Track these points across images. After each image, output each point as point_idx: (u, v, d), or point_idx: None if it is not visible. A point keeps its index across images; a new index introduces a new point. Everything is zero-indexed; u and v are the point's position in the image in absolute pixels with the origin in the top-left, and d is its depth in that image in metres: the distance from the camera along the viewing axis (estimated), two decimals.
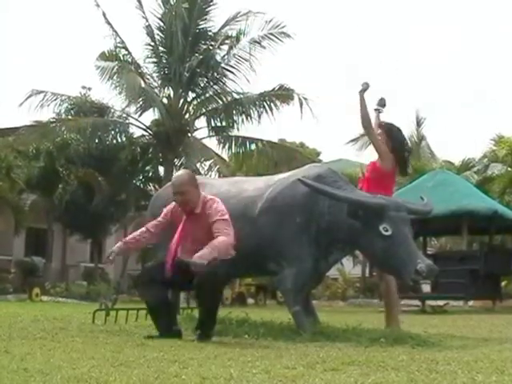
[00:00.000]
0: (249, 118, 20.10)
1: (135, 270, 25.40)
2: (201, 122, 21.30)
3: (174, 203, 5.36)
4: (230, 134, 20.71)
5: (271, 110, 20.01)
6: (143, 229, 5.49)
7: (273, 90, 19.94)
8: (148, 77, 20.91)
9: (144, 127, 21.45)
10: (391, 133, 6.09)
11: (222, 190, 5.95)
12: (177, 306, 6.84)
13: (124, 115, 21.63)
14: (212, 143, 21.63)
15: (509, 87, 65.57)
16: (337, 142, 70.11)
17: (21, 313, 8.96)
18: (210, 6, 20.74)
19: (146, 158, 23.74)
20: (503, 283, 19.52)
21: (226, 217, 5.04)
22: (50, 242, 24.07)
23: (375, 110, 6.40)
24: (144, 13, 20.47)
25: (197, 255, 4.76)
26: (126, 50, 20.77)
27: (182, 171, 5.92)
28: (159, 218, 5.47)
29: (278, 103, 20.13)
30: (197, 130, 21.32)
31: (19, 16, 59.01)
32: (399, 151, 6.08)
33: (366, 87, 6.09)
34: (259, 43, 19.92)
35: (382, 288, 6.37)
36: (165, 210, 5.47)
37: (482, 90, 73.40)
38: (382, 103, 6.48)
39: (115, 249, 5.46)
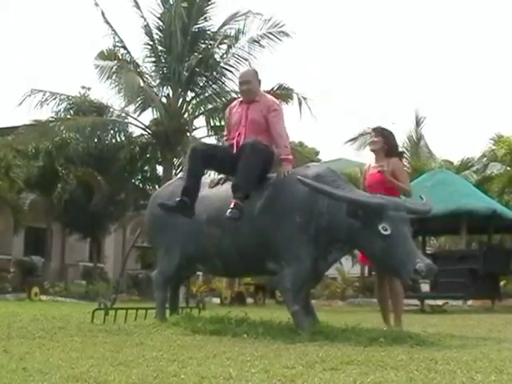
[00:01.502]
0: None
1: (134, 270, 25.45)
2: (200, 122, 21.32)
3: (228, 108, 6.37)
4: None
5: None
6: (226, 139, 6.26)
7: (272, 89, 19.91)
8: (147, 76, 20.92)
9: (143, 126, 21.46)
10: (387, 139, 6.31)
11: (221, 189, 5.96)
12: (176, 306, 6.85)
13: (123, 114, 21.63)
14: (211, 143, 21.62)
15: (508, 87, 65.61)
16: (336, 141, 70.16)
17: (20, 312, 8.96)
18: (209, 5, 20.75)
19: (145, 158, 23.74)
20: (502, 283, 19.51)
21: (277, 107, 5.99)
22: (49, 241, 24.07)
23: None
24: (142, 12, 20.50)
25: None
26: (125, 49, 20.78)
27: (248, 68, 6.93)
28: (226, 126, 6.42)
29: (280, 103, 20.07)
30: (196, 129, 21.33)
31: (18, 15, 59.04)
32: (394, 155, 6.35)
33: (382, 169, 6.15)
34: (258, 42, 19.93)
35: (377, 289, 6.40)
36: (226, 114, 6.41)
37: (481, 90, 73.46)
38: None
39: None
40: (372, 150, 6.40)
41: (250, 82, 6.07)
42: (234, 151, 5.84)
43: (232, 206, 5.48)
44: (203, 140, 21.26)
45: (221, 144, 6.29)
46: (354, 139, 26.78)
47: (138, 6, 20.42)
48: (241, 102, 6.21)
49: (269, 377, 3.17)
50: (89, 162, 22.38)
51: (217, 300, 19.89)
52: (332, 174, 5.71)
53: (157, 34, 20.63)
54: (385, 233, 5.08)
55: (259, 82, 6.17)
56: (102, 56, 20.67)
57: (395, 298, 6.25)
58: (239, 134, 5.94)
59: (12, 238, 23.27)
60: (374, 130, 6.46)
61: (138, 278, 24.13)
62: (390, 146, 6.33)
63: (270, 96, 6.29)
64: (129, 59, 20.85)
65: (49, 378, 3.06)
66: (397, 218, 5.15)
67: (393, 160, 6.30)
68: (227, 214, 5.45)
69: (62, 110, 21.18)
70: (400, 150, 6.78)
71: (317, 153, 34.68)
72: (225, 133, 6.53)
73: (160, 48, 20.66)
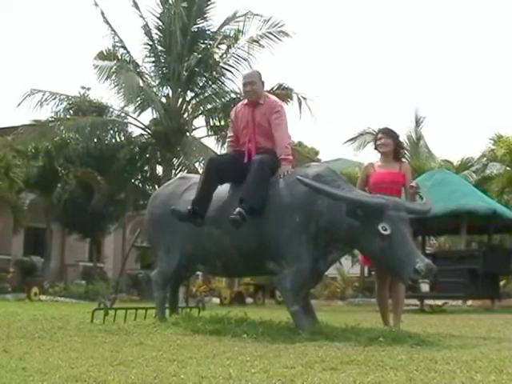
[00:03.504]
0: None
1: (134, 270, 25.45)
2: (199, 122, 21.32)
3: (234, 108, 6.44)
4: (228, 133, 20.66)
5: None
6: (229, 145, 6.40)
7: (272, 89, 19.89)
8: (146, 76, 20.91)
9: (142, 126, 21.44)
10: (397, 141, 6.44)
11: (221, 189, 5.96)
12: (176, 306, 6.85)
13: (123, 114, 21.62)
14: (211, 142, 21.70)
15: (508, 87, 65.62)
16: (335, 141, 70.19)
17: (19, 312, 8.97)
18: (209, 5, 20.74)
19: (145, 158, 23.72)
20: (502, 283, 19.51)
21: (279, 109, 6.06)
22: (49, 241, 24.05)
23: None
24: (141, 12, 20.49)
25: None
26: (125, 49, 20.77)
27: (252, 70, 6.98)
28: (230, 126, 6.49)
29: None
30: (195, 129, 21.31)
31: (18, 16, 59.02)
32: (399, 150, 6.48)
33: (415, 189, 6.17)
34: (258, 42, 19.90)
35: (377, 289, 6.40)
36: (231, 116, 6.46)
37: (481, 90, 73.46)
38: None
39: None
40: (382, 152, 6.38)
41: (253, 82, 6.13)
42: (246, 160, 5.92)
43: (236, 212, 5.49)
44: (203, 140, 21.32)
45: (233, 154, 6.28)
46: (353, 139, 26.77)
47: (137, 6, 20.44)
48: (245, 104, 6.23)
49: (268, 377, 3.17)
50: (88, 162, 22.37)
51: (216, 300, 19.89)
52: (332, 173, 5.71)
53: (156, 33, 20.63)
54: (384, 233, 5.08)
55: (263, 83, 6.23)
56: (101, 56, 20.65)
57: (397, 298, 6.25)
58: (249, 140, 6.02)
59: (11, 238, 23.26)
60: (383, 131, 6.42)
61: (137, 277, 24.14)
62: (399, 148, 6.47)
63: (273, 97, 6.34)
64: (128, 59, 20.84)
65: (48, 378, 3.06)
66: (396, 217, 5.15)
67: (405, 164, 6.50)
68: (231, 216, 5.46)
69: (62, 110, 21.17)
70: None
71: (316, 153, 34.69)
72: (229, 134, 6.54)
73: (159, 48, 20.65)
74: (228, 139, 6.57)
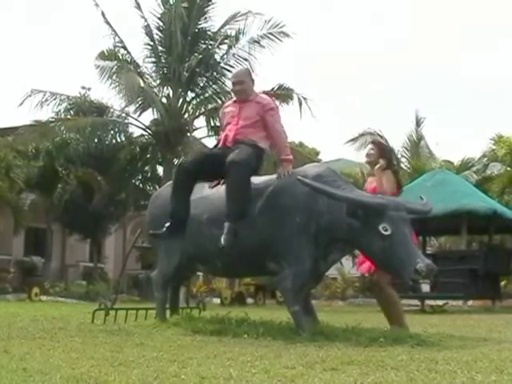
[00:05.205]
0: None
1: (134, 270, 25.44)
2: (200, 122, 21.29)
3: (221, 108, 6.41)
4: None
5: None
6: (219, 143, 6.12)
7: (272, 89, 19.89)
8: (147, 76, 20.88)
9: (143, 127, 21.43)
10: (383, 153, 6.24)
11: (221, 189, 5.95)
12: (176, 306, 6.84)
13: (123, 115, 21.59)
14: (211, 143, 21.55)
15: (508, 87, 65.61)
16: (336, 141, 70.19)
17: (20, 312, 8.97)
18: (209, 5, 20.72)
19: (146, 158, 23.73)
20: (502, 283, 19.50)
21: (273, 106, 6.01)
22: (50, 241, 24.05)
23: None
24: (142, 12, 20.49)
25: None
26: (125, 49, 20.75)
27: (241, 68, 6.86)
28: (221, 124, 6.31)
29: (277, 103, 20.05)
30: (196, 129, 21.30)
31: (18, 16, 59.06)
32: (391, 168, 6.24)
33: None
34: (258, 43, 19.89)
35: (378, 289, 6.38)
36: (220, 115, 6.40)
37: (481, 90, 73.47)
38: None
39: None
40: (367, 163, 6.38)
41: (242, 82, 6.02)
42: (219, 146, 5.86)
43: (226, 231, 5.44)
44: (203, 140, 21.32)
45: (206, 150, 6.26)
46: (354, 139, 26.75)
47: (138, 7, 20.40)
48: (234, 101, 6.19)
49: (269, 377, 3.17)
50: (89, 162, 22.37)
51: (217, 300, 19.90)
52: (332, 174, 5.71)
53: (157, 34, 20.61)
54: (385, 233, 5.08)
55: (252, 81, 6.12)
56: (102, 56, 20.65)
57: (390, 307, 6.12)
58: (229, 129, 5.91)
59: (12, 239, 23.24)
60: (372, 142, 6.51)
61: (138, 278, 24.13)
62: (385, 160, 6.18)
63: (264, 95, 6.29)
64: (129, 59, 20.83)
65: (49, 379, 3.06)
66: (397, 218, 5.15)
67: (387, 172, 6.18)
68: (221, 241, 5.40)
69: (62, 110, 21.14)
70: (395, 162, 6.79)
71: (317, 153, 34.67)
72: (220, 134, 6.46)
73: (160, 48, 20.64)
74: (218, 138, 6.49)
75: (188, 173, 5.81)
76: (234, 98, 6.24)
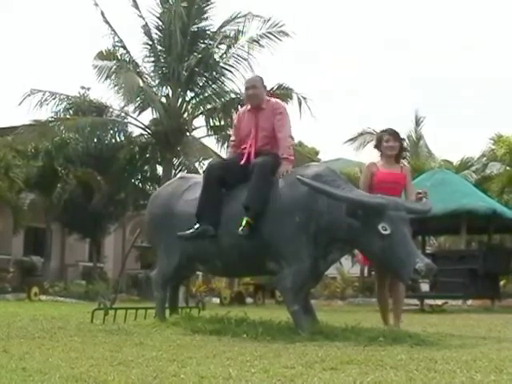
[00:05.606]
0: None
1: (134, 270, 25.44)
2: (199, 121, 21.29)
3: (237, 113, 6.68)
4: (228, 133, 20.67)
5: None
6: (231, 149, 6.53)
7: (272, 89, 19.88)
8: (146, 76, 20.88)
9: (142, 126, 21.43)
10: (400, 142, 6.51)
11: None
12: (176, 306, 6.85)
13: (122, 114, 21.61)
14: (211, 142, 21.60)
15: (508, 87, 65.64)
16: (335, 141, 70.17)
17: (19, 312, 8.97)
18: (209, 5, 20.72)
19: (145, 158, 23.72)
20: (502, 282, 19.52)
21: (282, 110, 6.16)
22: (49, 241, 24.05)
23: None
24: (141, 12, 20.48)
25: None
26: (125, 49, 20.74)
27: (254, 74, 7.46)
28: (233, 130, 6.61)
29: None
30: (195, 129, 21.30)
31: (18, 15, 59.02)
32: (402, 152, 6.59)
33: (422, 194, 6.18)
34: (258, 42, 19.89)
35: (377, 289, 6.40)
36: (234, 120, 6.63)
37: (481, 90, 73.49)
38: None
39: None
40: (390, 155, 6.36)
41: (255, 86, 6.20)
42: (243, 162, 5.96)
43: (244, 224, 5.54)
44: (203, 140, 21.32)
45: (233, 158, 6.33)
46: (353, 139, 26.80)
47: (137, 6, 20.40)
48: (249, 110, 6.27)
49: (268, 376, 3.17)
50: (88, 161, 22.37)
51: (216, 300, 19.89)
52: (332, 173, 5.71)
53: (156, 33, 20.61)
54: (384, 232, 5.08)
55: (265, 87, 6.32)
56: (101, 56, 20.64)
57: (397, 297, 6.26)
58: (250, 145, 6.05)
59: (11, 238, 23.26)
60: (391, 133, 6.38)
61: (137, 277, 24.12)
62: (402, 150, 6.57)
63: (274, 99, 6.41)
64: (128, 59, 20.82)
65: (48, 378, 3.06)
66: (396, 217, 5.15)
67: (406, 167, 6.61)
68: (239, 231, 5.53)
69: (62, 109, 21.14)
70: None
71: (317, 152, 34.64)
72: (232, 138, 6.60)
73: (159, 48, 20.63)
74: (230, 143, 6.67)
75: (216, 179, 5.93)
76: (248, 106, 6.31)
